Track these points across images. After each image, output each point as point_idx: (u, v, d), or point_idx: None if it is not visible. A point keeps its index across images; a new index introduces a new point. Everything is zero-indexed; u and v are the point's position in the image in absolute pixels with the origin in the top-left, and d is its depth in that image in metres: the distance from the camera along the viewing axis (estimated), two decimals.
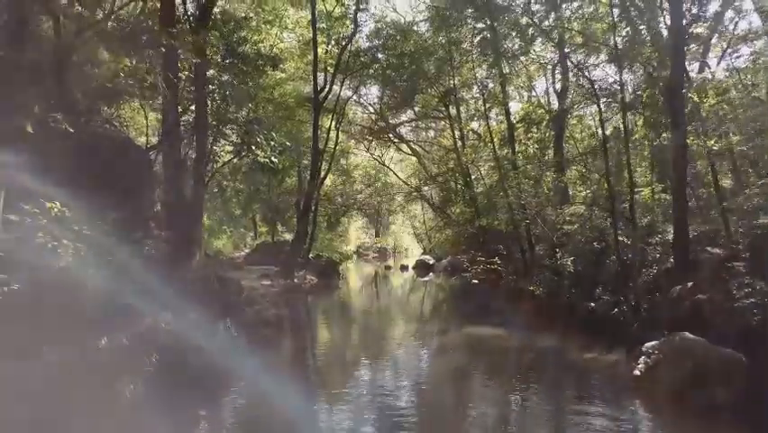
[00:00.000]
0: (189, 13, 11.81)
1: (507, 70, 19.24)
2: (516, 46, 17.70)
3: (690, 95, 9.49)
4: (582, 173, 14.67)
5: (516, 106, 24.47)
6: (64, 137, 6.14)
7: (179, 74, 9.40)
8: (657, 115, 9.94)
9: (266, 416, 5.90)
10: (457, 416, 6.15)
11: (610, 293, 10.59)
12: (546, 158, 18.01)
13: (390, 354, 9.42)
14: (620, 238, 10.09)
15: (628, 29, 11.71)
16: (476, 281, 15.13)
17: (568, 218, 11.69)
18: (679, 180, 9.13)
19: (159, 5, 9.52)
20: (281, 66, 14.53)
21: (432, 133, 34.46)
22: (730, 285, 6.65)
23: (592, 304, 9.99)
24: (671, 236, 9.97)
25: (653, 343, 6.52)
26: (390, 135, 30.45)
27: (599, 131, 10.55)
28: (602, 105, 12.31)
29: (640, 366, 6.36)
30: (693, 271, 8.14)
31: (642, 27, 11.27)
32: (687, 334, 6.25)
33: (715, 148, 10.07)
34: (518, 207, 13.18)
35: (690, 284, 7.53)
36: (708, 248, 8.71)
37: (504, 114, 16.87)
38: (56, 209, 4.89)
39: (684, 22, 9.97)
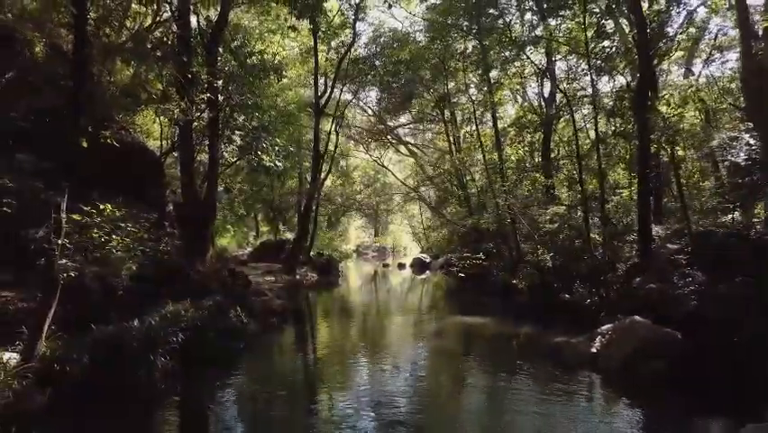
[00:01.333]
0: (202, 25, 12.79)
1: (499, 75, 20.35)
2: (507, 54, 18.73)
3: (656, 104, 10.51)
4: (564, 175, 15.69)
5: (511, 109, 25.64)
6: (102, 147, 7.17)
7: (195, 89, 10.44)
8: (627, 124, 10.93)
9: (273, 385, 6.95)
10: (437, 381, 7.20)
11: (586, 286, 11.65)
12: (536, 160, 19.07)
13: (384, 338, 10.49)
14: (594, 236, 11.12)
15: (604, 43, 12.72)
16: (462, 275, 16.19)
17: (549, 218, 12.70)
18: (642, 184, 10.14)
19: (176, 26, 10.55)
20: (284, 74, 15.50)
21: (429, 135, 35.39)
22: (673, 276, 7.68)
23: (567, 295, 11.00)
24: None
25: (608, 325, 7.57)
26: (389, 137, 31.53)
27: (576, 137, 11.45)
28: (577, 115, 13.35)
29: (596, 345, 7.40)
30: (653, 265, 9.16)
31: (615, 43, 12.26)
32: (636, 317, 7.29)
33: (680, 153, 11.11)
34: (504, 207, 14.21)
35: (645, 276, 8.56)
36: (669, 244, 9.74)
37: (492, 120, 17.84)
38: (108, 210, 5.94)
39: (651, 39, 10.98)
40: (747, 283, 6.94)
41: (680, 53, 19.35)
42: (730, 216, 9.81)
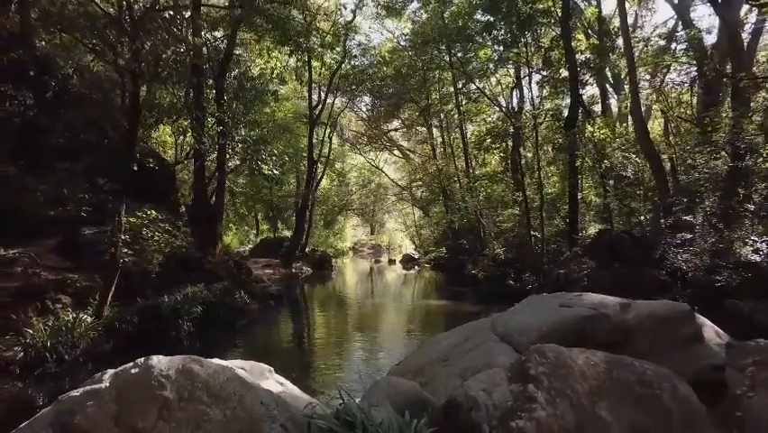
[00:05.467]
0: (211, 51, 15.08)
1: (478, 86, 22.70)
2: (480, 71, 21.04)
3: (583, 126, 12.79)
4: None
5: (492, 117, 27.94)
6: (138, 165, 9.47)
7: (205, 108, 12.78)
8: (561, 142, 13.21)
9: (270, 343, 9.29)
10: (391, 332, 9.54)
11: (532, 274, 13.99)
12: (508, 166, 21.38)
13: (362, 314, 12.85)
14: (535, 234, 13.44)
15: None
16: (443, 268, 18.53)
17: (503, 219, 15.03)
18: (571, 191, 12.43)
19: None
20: (280, 90, 17.80)
21: (420, 138, 37.36)
22: (574, 263, 10.01)
23: (511, 282, 13.32)
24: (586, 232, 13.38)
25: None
26: (384, 140, 33.81)
27: (519, 153, 13.83)
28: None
29: None
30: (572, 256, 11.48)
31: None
32: (544, 294, 9.59)
33: (607, 164, 13.41)
34: (471, 208, 16.54)
35: (561, 264, 10.89)
36: (588, 240, 12.05)
37: (460, 133, 20.13)
38: (153, 214, 8.24)
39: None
40: (624, 268, 9.26)
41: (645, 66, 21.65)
42: (642, 217, 12.14)
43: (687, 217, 8.64)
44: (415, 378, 3.13)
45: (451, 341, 3.52)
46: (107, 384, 2.57)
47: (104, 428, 2.41)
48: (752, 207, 9.15)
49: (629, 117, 19.84)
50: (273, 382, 3.25)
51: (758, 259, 8.53)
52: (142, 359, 2.69)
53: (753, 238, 8.79)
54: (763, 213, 8.81)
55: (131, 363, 2.67)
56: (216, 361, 2.87)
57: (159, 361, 2.62)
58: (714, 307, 7.59)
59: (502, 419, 1.92)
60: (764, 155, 10.32)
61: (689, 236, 9.45)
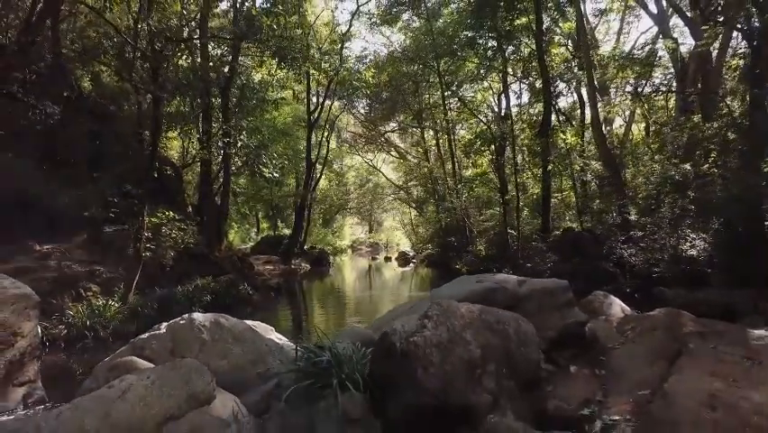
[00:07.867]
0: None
1: (461, 98, 23.99)
2: (470, 78, 22.34)
3: (555, 135, 14.08)
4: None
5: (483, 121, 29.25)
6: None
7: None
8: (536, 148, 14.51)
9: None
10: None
11: (510, 269, 15.30)
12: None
13: (352, 301, 14.17)
14: (512, 231, 14.75)
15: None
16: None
17: (485, 218, 16.33)
18: (544, 193, 13.72)
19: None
20: (280, 100, 19.14)
21: (415, 138, 38.51)
22: (538, 257, 11.33)
23: None
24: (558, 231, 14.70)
25: None
26: (381, 140, 35.09)
27: (498, 159, 15.17)
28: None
29: None
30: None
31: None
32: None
33: (577, 168, 14.71)
34: (457, 209, 17.85)
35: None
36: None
37: (448, 138, 21.44)
38: (171, 215, 9.55)
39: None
40: (583, 262, 10.57)
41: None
42: (609, 216, 13.44)
43: (632, 217, 9.92)
44: (375, 332, 4.43)
45: (404, 309, 4.83)
46: (164, 330, 3.89)
47: (163, 357, 3.73)
48: (693, 208, 10.44)
49: (606, 123, 21.16)
50: (274, 335, 4.56)
51: (695, 253, 9.85)
52: (187, 315, 4.00)
53: (691, 236, 10.10)
54: (701, 214, 10.10)
55: (179, 318, 3.98)
56: (235, 319, 4.18)
57: (198, 316, 3.94)
58: (649, 293, 8.93)
59: (407, 338, 3.20)
60: (710, 162, 11.62)
61: (640, 234, 10.78)
